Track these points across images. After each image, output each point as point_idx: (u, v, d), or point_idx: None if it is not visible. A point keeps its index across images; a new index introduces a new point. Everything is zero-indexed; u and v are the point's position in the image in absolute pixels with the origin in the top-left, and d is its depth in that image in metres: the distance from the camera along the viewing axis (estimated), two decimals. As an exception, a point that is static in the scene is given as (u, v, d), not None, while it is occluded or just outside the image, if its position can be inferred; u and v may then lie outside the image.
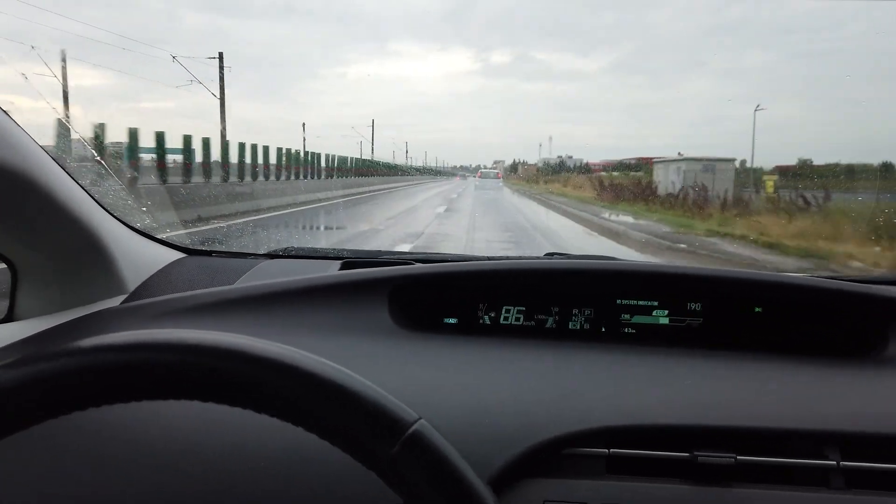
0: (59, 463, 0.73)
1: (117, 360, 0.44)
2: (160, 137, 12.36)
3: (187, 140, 13.04)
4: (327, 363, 0.45)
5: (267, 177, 16.22)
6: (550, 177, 48.93)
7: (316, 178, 21.22)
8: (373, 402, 0.43)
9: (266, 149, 16.36)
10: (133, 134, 11.48)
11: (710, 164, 17.87)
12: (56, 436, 0.75)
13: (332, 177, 23.51)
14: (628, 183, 23.21)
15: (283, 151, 17.74)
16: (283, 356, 0.44)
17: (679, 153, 19.95)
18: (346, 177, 26.48)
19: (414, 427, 0.43)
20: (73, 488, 0.72)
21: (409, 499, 0.44)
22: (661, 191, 18.86)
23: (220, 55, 20.36)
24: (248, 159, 15.14)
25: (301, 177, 19.34)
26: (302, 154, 19.98)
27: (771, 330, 1.04)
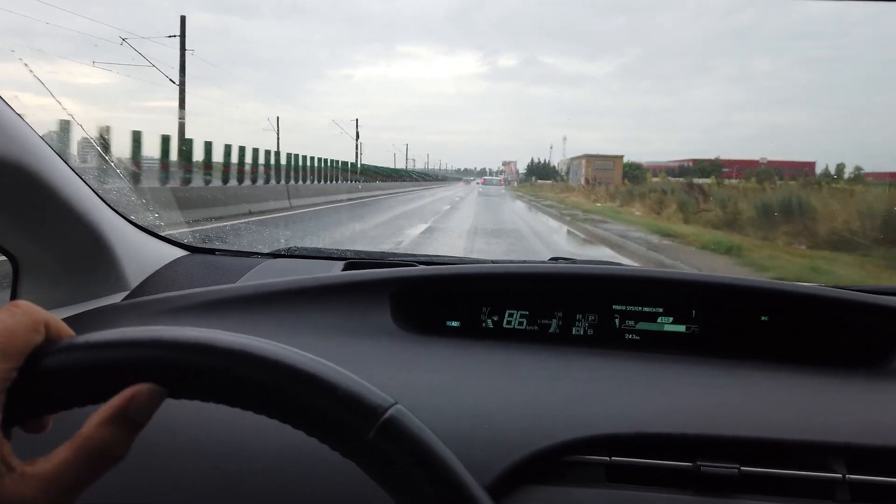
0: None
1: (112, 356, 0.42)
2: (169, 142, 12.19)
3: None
4: (297, 352, 0.43)
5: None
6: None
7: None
8: (345, 389, 0.42)
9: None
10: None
11: None
12: (48, 433, 0.74)
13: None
14: None
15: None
16: (252, 347, 0.42)
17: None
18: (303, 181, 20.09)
19: (389, 412, 0.42)
20: None
21: (387, 486, 0.42)
22: None
23: (182, 26, 15.11)
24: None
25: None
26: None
27: (777, 339, 1.03)
